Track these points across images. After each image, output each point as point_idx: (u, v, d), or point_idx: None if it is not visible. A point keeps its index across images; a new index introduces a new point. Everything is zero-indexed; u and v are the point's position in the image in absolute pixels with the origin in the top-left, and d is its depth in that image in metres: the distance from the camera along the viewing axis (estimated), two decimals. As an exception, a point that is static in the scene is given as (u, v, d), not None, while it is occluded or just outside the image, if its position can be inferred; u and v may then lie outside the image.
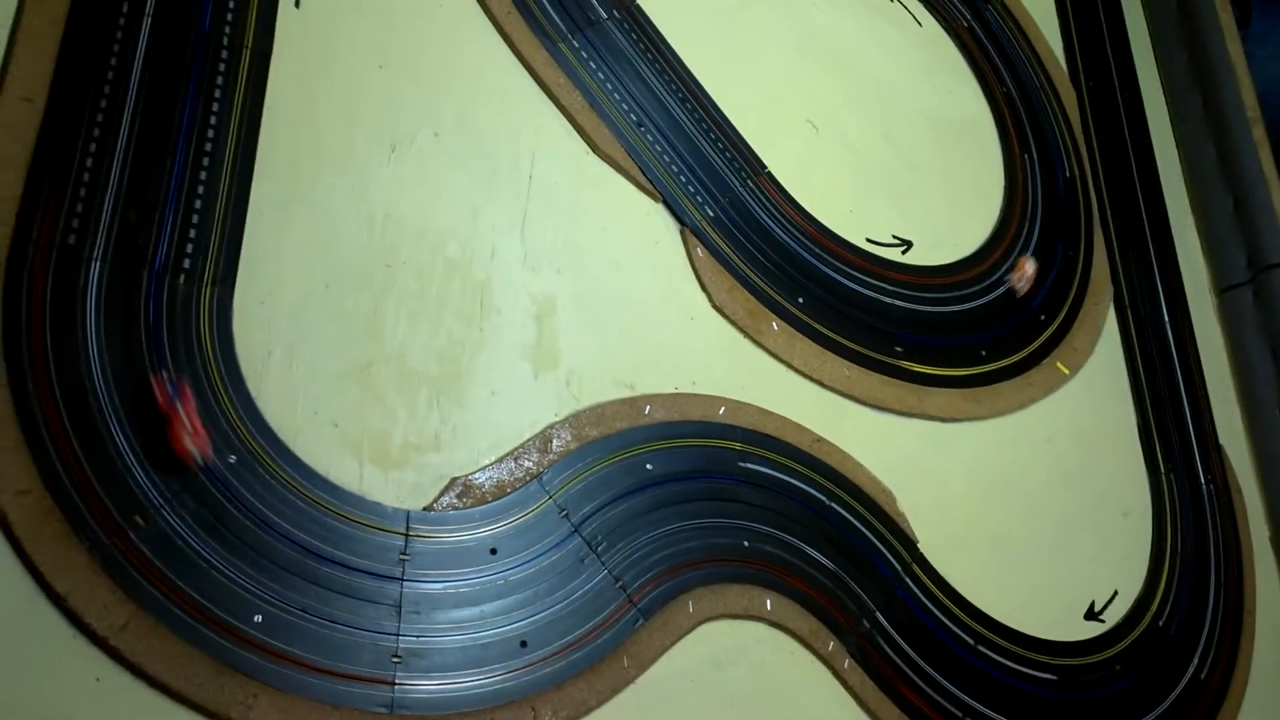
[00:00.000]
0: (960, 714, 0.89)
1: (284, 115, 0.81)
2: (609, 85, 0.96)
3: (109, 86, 0.75)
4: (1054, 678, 0.95)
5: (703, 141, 0.99)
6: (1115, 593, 1.03)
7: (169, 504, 0.67)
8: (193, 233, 0.74)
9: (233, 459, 0.70)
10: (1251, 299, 1.26)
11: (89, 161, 0.72)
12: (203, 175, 0.76)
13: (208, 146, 0.77)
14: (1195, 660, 1.04)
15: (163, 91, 0.77)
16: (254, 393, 0.72)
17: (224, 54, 0.80)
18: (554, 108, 0.93)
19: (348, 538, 0.71)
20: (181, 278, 0.73)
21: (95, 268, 0.70)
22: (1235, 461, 1.19)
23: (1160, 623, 1.04)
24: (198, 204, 0.75)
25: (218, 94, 0.78)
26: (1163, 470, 1.12)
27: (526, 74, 0.93)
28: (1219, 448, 1.18)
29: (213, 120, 0.78)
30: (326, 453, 0.74)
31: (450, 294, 0.83)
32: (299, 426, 0.73)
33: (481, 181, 0.87)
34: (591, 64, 0.96)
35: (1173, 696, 1.01)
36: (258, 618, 0.66)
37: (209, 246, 0.74)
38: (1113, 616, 1.02)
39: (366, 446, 0.75)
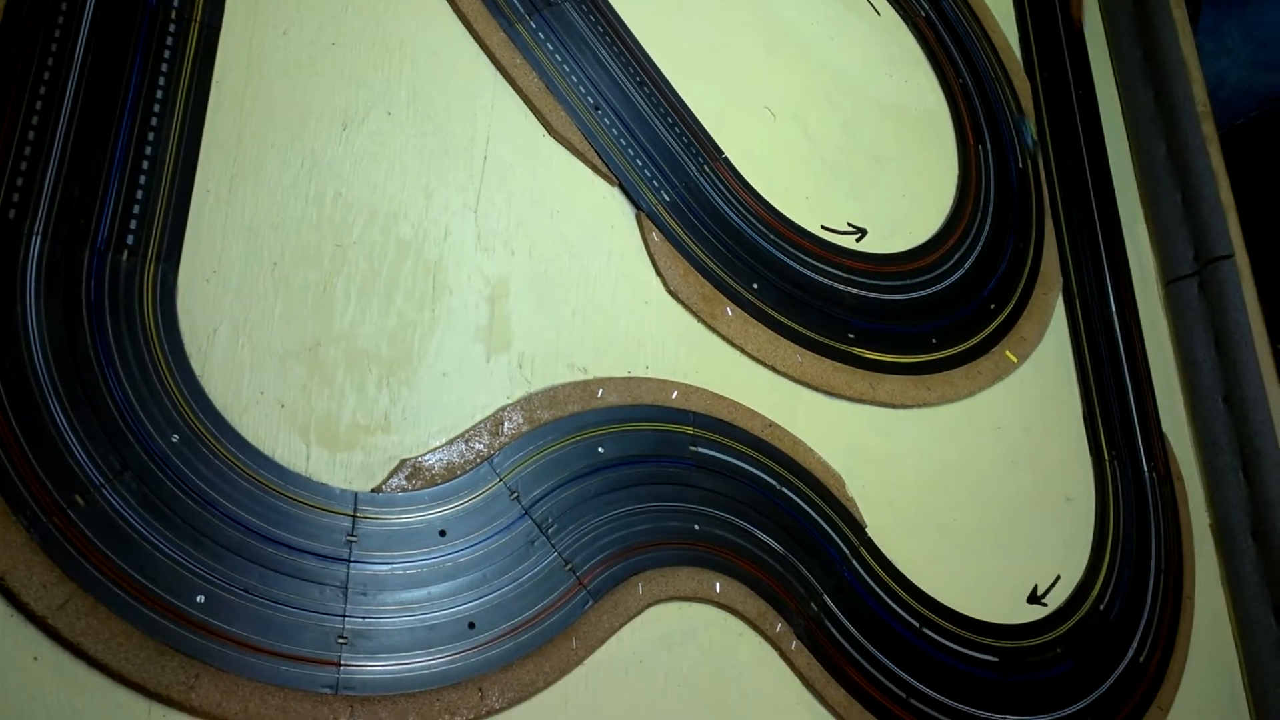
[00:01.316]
0: (904, 695, 0.90)
1: (233, 90, 0.80)
2: (566, 67, 0.96)
3: (51, 59, 0.73)
4: (996, 660, 0.97)
5: (660, 126, 0.99)
6: (1058, 577, 1.05)
7: (110, 483, 0.66)
8: (137, 208, 0.73)
9: (175, 438, 0.69)
10: (1197, 291, 1.29)
11: (30, 134, 0.71)
12: (148, 149, 0.74)
13: (153, 120, 0.75)
14: (1134, 644, 1.06)
15: (107, 64, 0.75)
16: (198, 371, 0.71)
17: (171, 26, 0.79)
18: (510, 89, 0.93)
19: (293, 518, 0.71)
20: (125, 254, 0.71)
21: (35, 243, 0.69)
22: (1177, 449, 1.22)
23: (1101, 607, 1.06)
24: (142, 179, 0.74)
25: (164, 67, 0.77)
26: (1106, 457, 1.14)
27: (483, 54, 0.93)
28: (1162, 436, 1.21)
29: (159, 94, 0.76)
30: (272, 433, 0.73)
31: (402, 274, 0.82)
32: (244, 406, 0.72)
33: (435, 161, 0.87)
34: (549, 45, 0.96)
35: (1112, 679, 1.03)
36: (200, 598, 0.66)
37: (153, 222, 0.73)
38: (1055, 600, 1.04)
39: (314, 427, 0.75)
